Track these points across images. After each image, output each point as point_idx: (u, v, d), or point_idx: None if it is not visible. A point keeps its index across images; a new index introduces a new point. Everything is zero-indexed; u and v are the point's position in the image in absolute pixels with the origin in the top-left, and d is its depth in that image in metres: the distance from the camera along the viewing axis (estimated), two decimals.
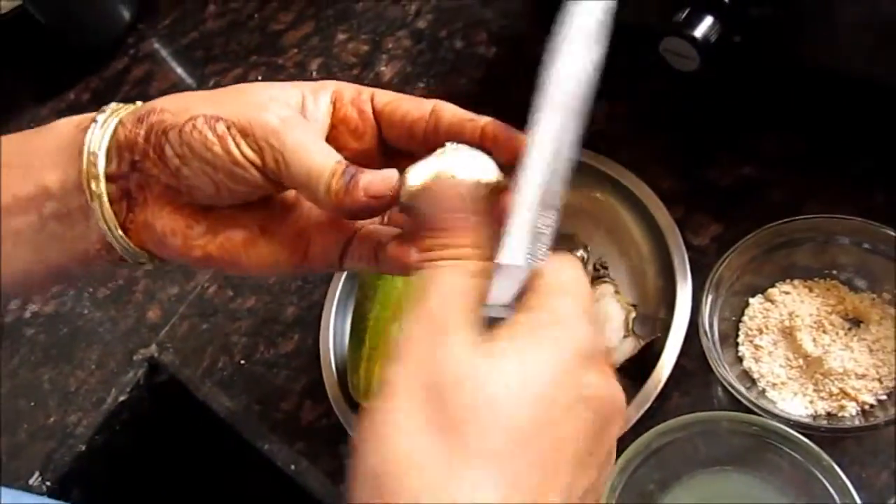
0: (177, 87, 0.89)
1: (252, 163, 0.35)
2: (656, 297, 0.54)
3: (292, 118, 0.36)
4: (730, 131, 0.59)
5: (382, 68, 0.78)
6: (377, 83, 0.76)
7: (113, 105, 0.38)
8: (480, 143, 0.35)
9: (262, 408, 0.62)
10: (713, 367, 0.45)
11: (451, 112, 0.37)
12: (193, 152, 0.35)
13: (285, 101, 0.37)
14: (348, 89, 0.39)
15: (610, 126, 0.63)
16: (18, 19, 0.90)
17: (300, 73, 0.81)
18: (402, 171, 0.35)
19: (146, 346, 0.69)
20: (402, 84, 0.75)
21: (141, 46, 0.95)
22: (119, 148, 0.37)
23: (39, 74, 0.97)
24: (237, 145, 0.35)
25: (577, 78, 0.33)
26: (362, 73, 0.78)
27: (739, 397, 0.44)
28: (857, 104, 0.53)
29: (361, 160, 0.37)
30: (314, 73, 0.81)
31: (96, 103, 0.93)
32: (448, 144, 0.35)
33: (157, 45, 0.95)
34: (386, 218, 0.40)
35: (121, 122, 0.37)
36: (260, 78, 0.83)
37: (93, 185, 0.37)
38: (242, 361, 0.65)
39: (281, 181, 0.36)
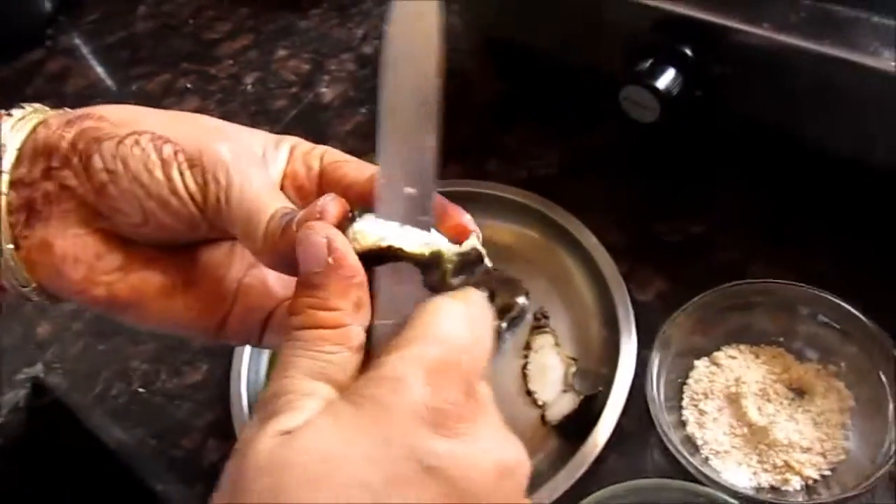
0: (95, 86, 0.82)
1: (192, 197, 0.31)
2: (599, 351, 0.51)
3: (246, 155, 0.32)
4: (681, 187, 0.59)
5: (324, 89, 0.74)
6: (317, 104, 0.73)
7: (38, 105, 0.33)
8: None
9: (159, 443, 0.56)
10: (659, 431, 0.43)
11: None
12: (128, 170, 0.31)
13: (244, 139, 0.33)
14: (304, 144, 0.35)
15: (560, 171, 0.62)
16: None
17: (234, 85, 0.77)
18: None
19: (31, 366, 0.62)
20: (343, 107, 0.72)
21: (60, 40, 0.89)
22: (35, 150, 0.31)
23: None
24: (181, 174, 0.31)
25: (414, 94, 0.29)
26: (301, 91, 0.74)
27: (685, 464, 0.42)
28: (812, 170, 0.53)
29: None
30: (249, 87, 0.76)
31: (2, 95, 0.86)
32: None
33: (77, 41, 0.89)
34: None
35: (44, 121, 0.32)
36: (189, 86, 0.78)
37: None
38: (141, 389, 0.59)
39: (219, 222, 0.31)
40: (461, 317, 0.27)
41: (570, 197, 0.58)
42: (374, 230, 0.28)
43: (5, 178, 0.31)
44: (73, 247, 0.32)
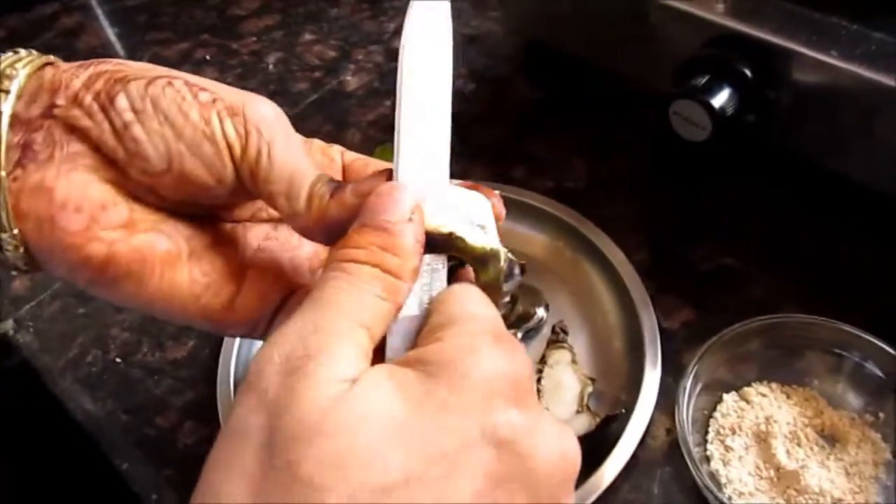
0: (107, 46, 0.79)
1: (230, 145, 0.28)
2: (619, 374, 0.48)
3: (287, 123, 0.29)
4: (718, 213, 0.56)
5: (348, 77, 0.71)
6: (339, 91, 0.70)
7: (50, 56, 0.30)
8: None
9: (131, 419, 0.51)
10: (688, 462, 0.39)
11: None
12: (158, 110, 0.27)
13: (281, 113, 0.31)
14: (318, 141, 0.33)
15: (589, 184, 0.59)
16: None
17: (255, 62, 0.74)
18: None
19: (1, 321, 0.57)
20: (366, 97, 0.69)
21: None
22: (38, 87, 0.28)
23: None
24: (220, 120, 0.28)
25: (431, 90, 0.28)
26: (325, 77, 0.71)
27: (712, 501, 0.38)
28: (860, 207, 0.50)
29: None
30: (270, 66, 0.73)
31: (10, 44, 0.82)
32: None
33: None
34: None
35: (52, 63, 0.29)
36: (208, 58, 0.75)
37: None
38: (118, 360, 0.54)
39: (255, 177, 0.28)
40: (485, 301, 0.26)
41: (598, 212, 0.55)
42: (437, 214, 0.27)
43: (6, 116, 0.27)
44: (77, 193, 0.28)
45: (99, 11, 0.85)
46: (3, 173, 0.27)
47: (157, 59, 0.75)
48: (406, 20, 0.28)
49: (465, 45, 0.72)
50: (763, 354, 0.45)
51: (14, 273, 0.29)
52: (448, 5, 0.28)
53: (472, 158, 0.61)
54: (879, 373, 0.43)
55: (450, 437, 0.21)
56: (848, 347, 0.44)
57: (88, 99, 0.27)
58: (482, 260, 0.28)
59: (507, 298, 0.32)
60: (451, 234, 0.27)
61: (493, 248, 0.28)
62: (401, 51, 0.28)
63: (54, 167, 0.28)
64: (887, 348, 0.42)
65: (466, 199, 0.28)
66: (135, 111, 0.27)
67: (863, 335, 0.43)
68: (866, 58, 0.44)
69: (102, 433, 0.51)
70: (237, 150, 0.28)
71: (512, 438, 0.21)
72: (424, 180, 0.27)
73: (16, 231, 0.28)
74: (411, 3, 0.28)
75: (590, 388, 0.48)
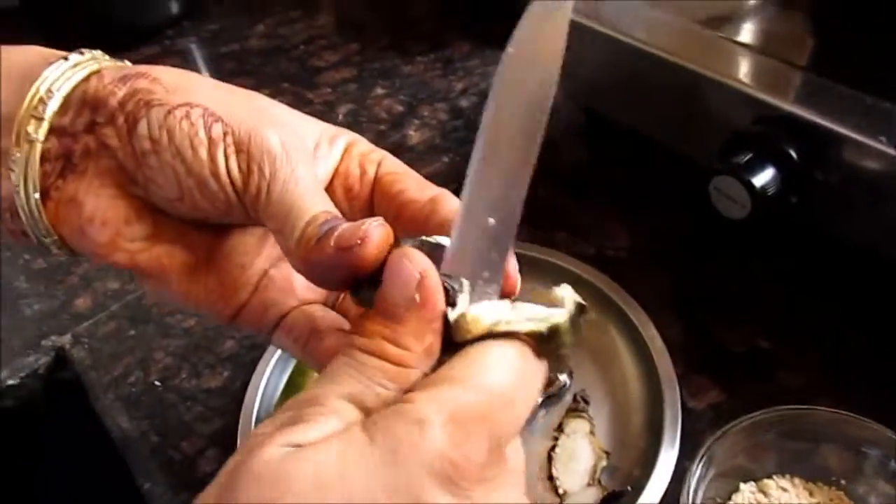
0: None
1: (233, 182, 0.29)
2: (635, 451, 0.47)
3: (296, 148, 0.30)
4: (756, 295, 0.54)
5: (411, 132, 0.74)
6: (402, 144, 0.72)
7: (98, 52, 0.32)
8: None
9: (160, 441, 0.53)
10: None
11: (450, 208, 0.30)
12: (172, 143, 0.29)
13: (299, 129, 0.32)
14: (362, 144, 0.34)
15: (630, 254, 0.58)
16: None
17: (326, 112, 0.77)
18: None
19: (60, 335, 0.61)
20: (426, 152, 0.71)
21: (177, 41, 0.92)
22: (83, 100, 0.30)
23: (69, 36, 0.93)
24: (226, 157, 0.29)
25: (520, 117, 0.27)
26: (389, 130, 0.74)
27: None
28: None
29: None
30: (340, 117, 0.77)
31: None
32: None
33: (193, 45, 0.92)
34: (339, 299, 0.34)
35: (99, 71, 0.31)
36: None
37: (30, 128, 0.30)
38: (157, 383, 0.57)
39: (255, 213, 0.29)
40: (511, 367, 0.25)
41: (635, 283, 0.54)
42: (488, 314, 0.26)
43: (45, 124, 0.30)
44: (104, 208, 0.30)
45: (196, 55, 0.91)
46: (37, 195, 0.30)
47: None
48: (519, 23, 0.27)
49: None
50: (786, 445, 0.43)
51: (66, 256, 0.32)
52: (570, 6, 0.27)
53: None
54: None
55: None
56: (876, 447, 0.41)
57: (121, 120, 0.29)
58: (542, 338, 0.26)
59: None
60: (505, 332, 0.25)
61: (551, 326, 0.26)
62: (503, 59, 0.27)
63: (87, 181, 0.30)
64: None
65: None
66: (152, 140, 0.29)
67: (893, 435, 0.40)
68: None
69: (132, 451, 0.53)
70: (239, 186, 0.29)
71: None
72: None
73: (55, 237, 0.31)
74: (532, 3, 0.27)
75: (604, 462, 0.46)
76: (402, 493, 0.21)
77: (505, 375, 0.24)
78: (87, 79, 0.30)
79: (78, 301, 0.64)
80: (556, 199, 0.64)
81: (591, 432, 0.48)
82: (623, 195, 0.63)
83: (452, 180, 0.31)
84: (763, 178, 0.46)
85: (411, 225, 0.31)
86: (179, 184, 0.29)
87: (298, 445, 0.22)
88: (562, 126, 0.70)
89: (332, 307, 0.34)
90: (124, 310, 0.62)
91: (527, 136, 0.27)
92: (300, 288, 0.33)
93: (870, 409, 0.45)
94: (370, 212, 0.33)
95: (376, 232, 0.26)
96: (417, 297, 0.25)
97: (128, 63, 0.32)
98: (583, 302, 0.27)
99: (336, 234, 0.27)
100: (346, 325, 0.33)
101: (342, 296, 0.34)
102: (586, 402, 0.50)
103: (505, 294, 0.28)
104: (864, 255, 0.47)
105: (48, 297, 0.65)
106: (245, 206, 0.30)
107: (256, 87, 0.86)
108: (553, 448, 0.48)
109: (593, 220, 0.61)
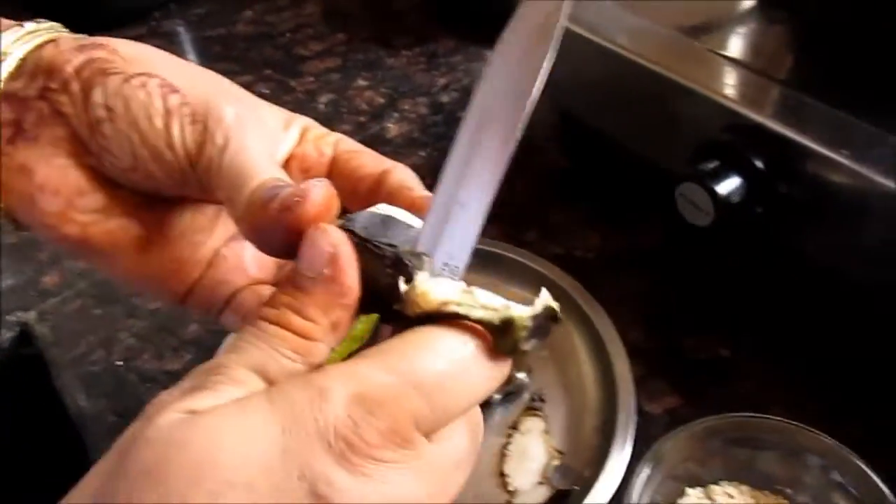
0: None
1: (187, 153, 0.29)
2: (588, 452, 0.47)
3: (252, 121, 0.30)
4: (720, 303, 0.55)
5: (390, 125, 0.74)
6: (380, 136, 0.72)
7: (56, 24, 0.32)
8: (407, 209, 0.29)
9: (119, 421, 0.53)
10: None
11: (397, 178, 0.31)
12: (128, 111, 0.29)
13: (255, 110, 0.32)
14: (317, 128, 0.34)
15: (598, 257, 0.59)
16: None
17: (308, 101, 0.77)
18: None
19: (26, 311, 0.61)
20: (404, 145, 0.71)
21: (164, 23, 0.92)
22: (37, 66, 0.30)
23: (52, 14, 0.93)
24: (181, 127, 0.29)
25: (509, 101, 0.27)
26: (369, 122, 0.74)
27: None
28: (863, 321, 0.48)
29: None
30: (321, 106, 0.77)
31: None
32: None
33: (179, 28, 0.92)
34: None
35: (55, 40, 0.30)
36: (267, 92, 0.79)
37: None
38: (119, 363, 0.57)
39: (207, 182, 0.29)
40: (445, 355, 0.24)
41: (601, 286, 0.54)
42: (439, 291, 0.25)
43: (2, 73, 0.29)
44: (56, 177, 0.30)
45: (182, 38, 0.91)
46: None
47: None
48: (515, 14, 0.27)
49: None
50: (733, 452, 0.43)
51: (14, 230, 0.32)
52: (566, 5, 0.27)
53: (489, 216, 0.62)
54: (852, 490, 0.40)
55: (266, 475, 0.21)
56: (822, 456, 0.41)
57: (75, 87, 0.29)
58: (497, 329, 0.25)
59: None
60: (454, 313, 0.25)
61: (504, 318, 0.25)
62: (494, 50, 0.27)
63: (38, 149, 0.30)
64: (862, 466, 0.40)
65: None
66: (107, 108, 0.29)
67: (838, 446, 0.41)
68: (878, 160, 0.43)
69: (88, 429, 0.53)
70: (193, 156, 0.29)
71: (328, 495, 0.21)
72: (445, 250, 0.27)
73: (2, 205, 0.30)
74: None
75: (556, 462, 0.47)
76: (295, 459, 0.21)
77: (433, 363, 0.24)
78: (41, 46, 0.30)
79: (45, 278, 0.64)
80: (528, 200, 0.64)
81: (546, 431, 0.48)
82: (596, 199, 0.63)
83: (429, 174, 0.31)
84: (727, 186, 0.47)
85: (367, 198, 0.31)
86: (134, 153, 0.29)
87: (195, 412, 0.22)
88: (538, 127, 0.70)
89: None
90: (91, 288, 0.62)
91: (508, 126, 0.27)
92: (250, 267, 0.33)
93: (823, 419, 0.45)
94: None
95: (317, 190, 0.26)
96: (327, 270, 0.25)
97: (85, 36, 0.32)
98: (555, 308, 0.27)
99: (280, 195, 0.27)
100: None
101: (284, 272, 0.34)
102: (542, 400, 0.50)
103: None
104: (826, 269, 0.48)
105: (16, 273, 0.64)
106: (197, 176, 0.30)
107: (240, 73, 0.86)
108: (506, 446, 0.48)
109: (564, 222, 0.61)
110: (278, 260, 0.34)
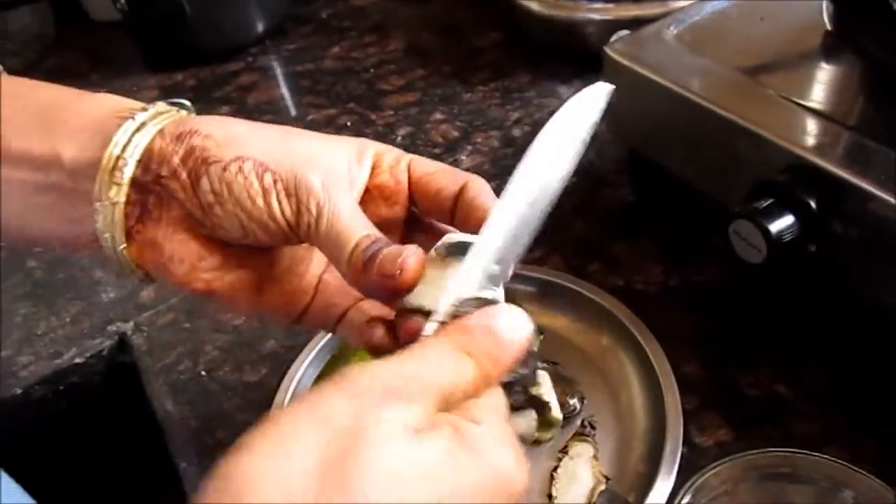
0: (272, 103, 0.90)
1: (287, 222, 0.34)
2: (634, 479, 0.48)
3: (335, 183, 0.35)
4: (777, 340, 0.55)
5: (463, 157, 0.77)
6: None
7: (159, 106, 0.37)
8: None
9: (199, 426, 0.58)
10: None
11: (472, 194, 0.36)
12: (232, 195, 0.34)
13: (331, 159, 0.36)
14: (389, 154, 0.38)
15: (659, 290, 0.60)
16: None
17: (386, 133, 0.82)
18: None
19: (125, 321, 0.67)
20: None
21: (259, 59, 0.99)
22: (150, 158, 0.35)
23: (163, 50, 1.01)
24: (279, 202, 0.34)
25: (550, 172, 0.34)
26: (443, 154, 0.78)
27: None
28: None
29: (387, 227, 0.37)
30: (398, 139, 0.81)
31: (197, 91, 0.95)
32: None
33: (273, 63, 0.98)
34: None
35: (161, 131, 0.36)
36: (349, 124, 0.84)
37: (111, 192, 0.35)
38: (203, 373, 0.62)
39: (309, 242, 0.35)
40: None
41: (660, 319, 0.55)
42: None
43: (124, 188, 0.35)
44: (179, 248, 0.36)
45: (275, 72, 0.98)
46: (122, 247, 0.36)
47: (304, 119, 0.85)
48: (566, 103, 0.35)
49: None
50: (771, 487, 0.44)
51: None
52: (607, 92, 0.36)
53: (554, 247, 0.64)
54: None
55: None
56: (862, 494, 0.41)
57: (184, 176, 0.35)
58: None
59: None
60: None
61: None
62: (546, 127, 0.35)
63: (163, 227, 0.36)
64: None
65: None
66: (214, 193, 0.34)
67: (879, 485, 0.41)
68: None
69: (173, 433, 0.58)
70: (293, 223, 0.34)
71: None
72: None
73: (140, 273, 0.37)
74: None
75: (602, 487, 0.48)
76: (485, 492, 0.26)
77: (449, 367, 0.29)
78: (152, 139, 0.35)
79: (143, 293, 0.70)
80: (593, 232, 0.66)
81: (595, 457, 0.50)
82: (659, 233, 0.64)
83: None
84: (779, 224, 0.47)
85: (452, 211, 0.37)
86: (243, 226, 0.35)
87: (418, 432, 0.26)
88: (608, 164, 0.72)
89: None
90: (183, 303, 0.68)
91: (541, 207, 0.34)
92: (352, 289, 0.37)
93: (879, 460, 0.45)
94: (409, 213, 0.38)
95: (411, 261, 0.32)
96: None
97: (184, 113, 0.37)
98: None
99: (377, 261, 0.32)
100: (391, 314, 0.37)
101: None
102: (592, 427, 0.51)
103: None
104: (881, 309, 0.48)
105: (119, 287, 0.71)
106: (300, 238, 0.35)
107: (326, 106, 0.91)
108: (556, 468, 0.50)
109: (627, 257, 0.63)
110: None
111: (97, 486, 0.69)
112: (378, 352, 0.36)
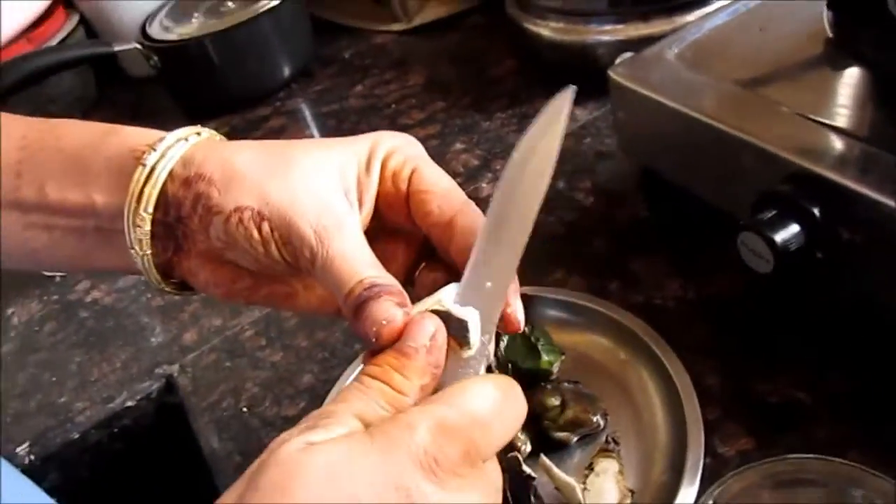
0: None
1: (288, 264, 0.38)
2: (658, 491, 0.49)
3: (330, 226, 0.36)
4: (796, 349, 0.55)
5: (484, 185, 0.79)
6: (474, 196, 0.77)
7: (169, 139, 0.39)
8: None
9: (243, 460, 0.61)
10: None
11: (460, 232, 0.38)
12: (237, 243, 0.37)
13: (328, 192, 0.37)
14: (399, 154, 0.40)
15: (677, 304, 0.61)
16: (196, 49, 0.99)
17: None
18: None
19: (171, 364, 0.71)
20: None
21: (287, 102, 1.03)
22: (166, 203, 0.38)
23: (197, 100, 1.06)
24: (278, 250, 0.37)
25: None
26: (464, 183, 0.80)
27: None
28: None
29: (404, 231, 0.41)
30: None
31: (230, 137, 1.00)
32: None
33: (301, 105, 1.02)
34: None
35: (170, 175, 0.38)
36: None
37: (136, 233, 0.38)
38: (245, 409, 0.65)
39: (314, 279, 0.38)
40: (489, 398, 0.32)
41: (679, 333, 0.57)
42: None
43: (147, 228, 0.38)
44: (212, 276, 0.40)
45: (304, 114, 1.02)
46: (161, 285, 0.41)
47: None
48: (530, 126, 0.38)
49: (596, 160, 0.77)
50: (802, 494, 0.44)
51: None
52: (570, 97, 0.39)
53: (574, 267, 0.66)
54: None
55: (371, 489, 0.28)
56: (872, 492, 0.42)
57: (196, 221, 0.38)
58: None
59: None
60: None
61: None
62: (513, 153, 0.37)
63: (193, 258, 0.40)
64: None
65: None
66: (223, 242, 0.38)
67: (886, 481, 0.41)
68: None
69: (218, 468, 0.61)
70: (294, 265, 0.37)
71: (423, 502, 0.28)
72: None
73: (181, 293, 0.42)
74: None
75: (628, 500, 0.49)
76: (394, 480, 0.28)
77: (483, 404, 0.31)
78: (164, 185, 0.38)
79: (186, 335, 0.73)
80: (613, 252, 0.67)
81: (620, 472, 0.51)
82: (675, 248, 0.65)
83: None
84: (785, 234, 0.48)
85: (442, 238, 0.38)
86: (256, 263, 0.38)
87: (312, 443, 0.29)
88: (622, 182, 0.73)
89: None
90: (224, 343, 0.71)
91: (525, 218, 0.36)
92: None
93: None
94: (409, 219, 0.40)
95: (386, 331, 0.34)
96: (428, 342, 0.33)
97: (194, 157, 0.38)
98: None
99: (367, 313, 0.34)
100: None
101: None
102: (616, 443, 0.52)
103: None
104: (891, 313, 0.48)
105: (164, 331, 0.75)
106: (304, 275, 0.38)
107: None
108: (584, 487, 0.51)
109: (645, 273, 0.64)
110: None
111: None
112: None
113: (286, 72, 1.05)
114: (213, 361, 0.70)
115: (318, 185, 0.37)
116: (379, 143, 0.40)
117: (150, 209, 0.38)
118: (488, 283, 0.35)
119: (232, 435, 0.63)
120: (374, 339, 0.34)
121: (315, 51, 1.09)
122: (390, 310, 0.34)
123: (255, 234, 0.37)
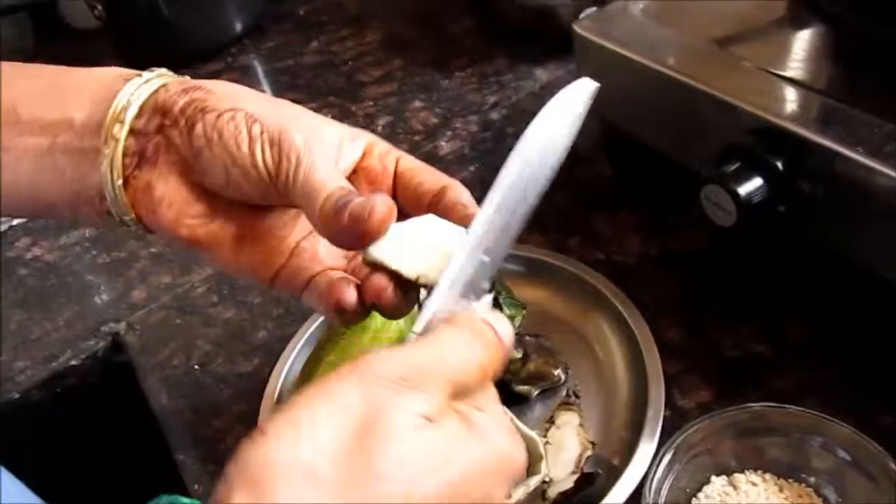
0: None
1: (268, 170, 0.36)
2: (618, 442, 0.50)
3: (318, 144, 0.37)
4: (756, 302, 0.56)
5: (442, 143, 0.78)
6: (433, 154, 0.77)
7: (164, 70, 0.40)
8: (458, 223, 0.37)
9: (195, 418, 0.59)
10: None
11: (453, 196, 0.38)
12: (221, 140, 0.36)
13: (321, 131, 0.38)
14: (381, 144, 0.41)
15: (638, 260, 0.61)
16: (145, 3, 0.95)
17: (367, 124, 0.82)
18: None
19: (118, 322, 0.68)
20: (455, 161, 0.75)
21: (239, 58, 1.00)
22: (154, 107, 0.38)
23: (143, 54, 1.02)
24: (262, 151, 0.36)
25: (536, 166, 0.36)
26: (423, 141, 0.79)
27: None
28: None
29: None
30: (379, 128, 0.82)
31: None
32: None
33: (253, 62, 0.99)
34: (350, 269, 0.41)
35: (165, 85, 0.38)
36: (330, 117, 0.85)
37: (115, 129, 0.37)
38: (196, 367, 0.63)
39: (286, 194, 0.37)
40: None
41: (641, 288, 0.57)
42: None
43: (126, 126, 0.37)
44: (170, 192, 0.38)
45: (255, 71, 0.99)
46: (120, 182, 0.38)
47: None
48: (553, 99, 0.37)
49: None
50: (761, 443, 0.45)
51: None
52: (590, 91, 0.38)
53: (535, 223, 0.65)
54: (867, 469, 0.41)
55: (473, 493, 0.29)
56: (855, 451, 0.42)
57: (182, 123, 0.37)
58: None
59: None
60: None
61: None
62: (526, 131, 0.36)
63: (157, 170, 0.38)
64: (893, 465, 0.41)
65: None
66: (205, 137, 0.36)
67: (871, 444, 0.42)
68: (891, 155, 0.44)
69: (170, 427, 0.59)
70: (273, 173, 0.36)
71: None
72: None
73: (133, 216, 0.39)
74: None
75: (589, 452, 0.49)
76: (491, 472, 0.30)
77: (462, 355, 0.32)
78: (156, 91, 0.38)
79: (134, 293, 0.71)
80: (573, 209, 0.67)
81: (581, 425, 0.51)
82: (637, 205, 0.65)
83: (477, 188, 0.37)
84: (748, 186, 0.48)
85: (427, 209, 0.38)
86: (227, 172, 0.37)
87: (426, 418, 0.29)
88: (584, 139, 0.73)
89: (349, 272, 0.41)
90: (174, 301, 0.69)
91: (529, 200, 0.36)
92: (325, 258, 0.40)
93: (855, 413, 0.46)
94: (390, 193, 0.39)
95: (381, 206, 0.34)
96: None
97: (188, 78, 0.39)
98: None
99: (349, 208, 0.34)
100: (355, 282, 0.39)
101: (352, 263, 0.41)
102: (577, 396, 0.52)
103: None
104: (851, 265, 0.49)
105: (110, 288, 0.72)
106: (278, 189, 0.37)
107: (307, 101, 0.92)
108: (545, 440, 0.51)
109: (605, 230, 0.64)
110: (346, 252, 0.41)
111: (99, 484, 0.70)
112: (343, 317, 0.38)
113: (238, 27, 1.01)
114: (163, 319, 0.68)
115: (309, 122, 0.38)
116: (364, 132, 0.41)
117: (139, 103, 0.37)
118: (485, 258, 0.36)
119: (183, 393, 0.61)
120: (364, 221, 0.34)
121: (267, 6, 1.05)
122: (373, 199, 0.34)
123: (244, 131, 0.36)
